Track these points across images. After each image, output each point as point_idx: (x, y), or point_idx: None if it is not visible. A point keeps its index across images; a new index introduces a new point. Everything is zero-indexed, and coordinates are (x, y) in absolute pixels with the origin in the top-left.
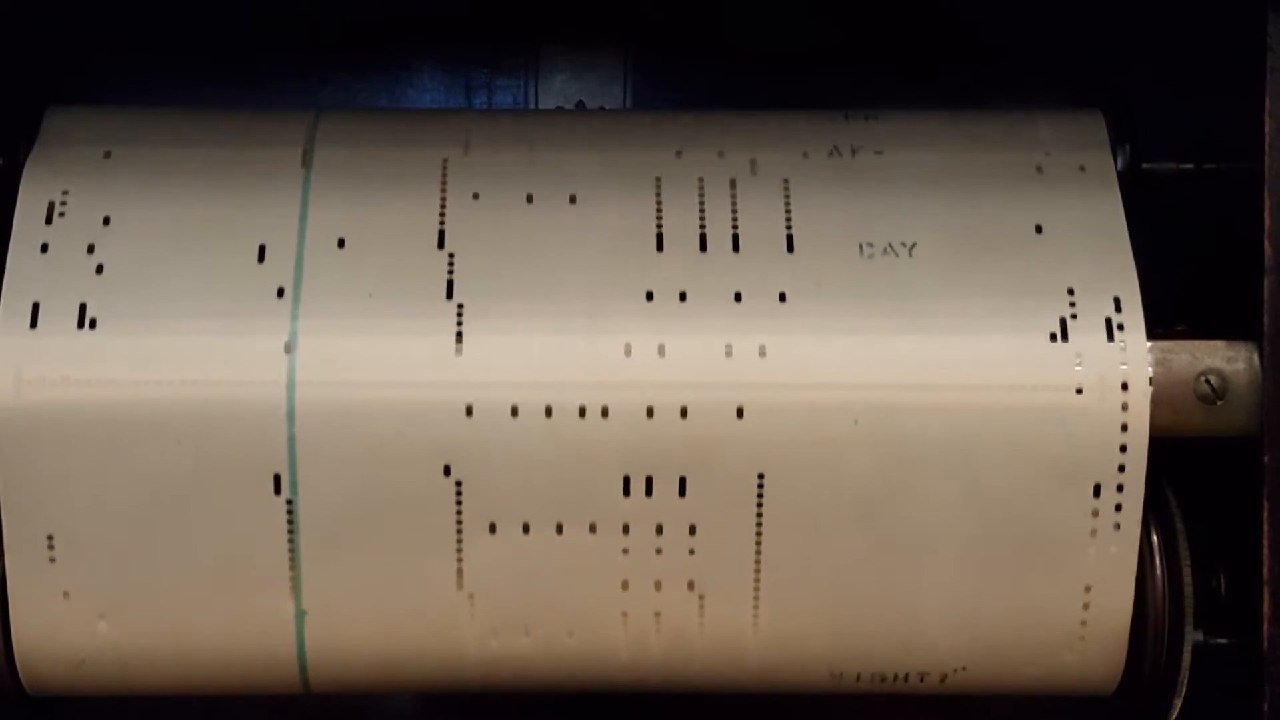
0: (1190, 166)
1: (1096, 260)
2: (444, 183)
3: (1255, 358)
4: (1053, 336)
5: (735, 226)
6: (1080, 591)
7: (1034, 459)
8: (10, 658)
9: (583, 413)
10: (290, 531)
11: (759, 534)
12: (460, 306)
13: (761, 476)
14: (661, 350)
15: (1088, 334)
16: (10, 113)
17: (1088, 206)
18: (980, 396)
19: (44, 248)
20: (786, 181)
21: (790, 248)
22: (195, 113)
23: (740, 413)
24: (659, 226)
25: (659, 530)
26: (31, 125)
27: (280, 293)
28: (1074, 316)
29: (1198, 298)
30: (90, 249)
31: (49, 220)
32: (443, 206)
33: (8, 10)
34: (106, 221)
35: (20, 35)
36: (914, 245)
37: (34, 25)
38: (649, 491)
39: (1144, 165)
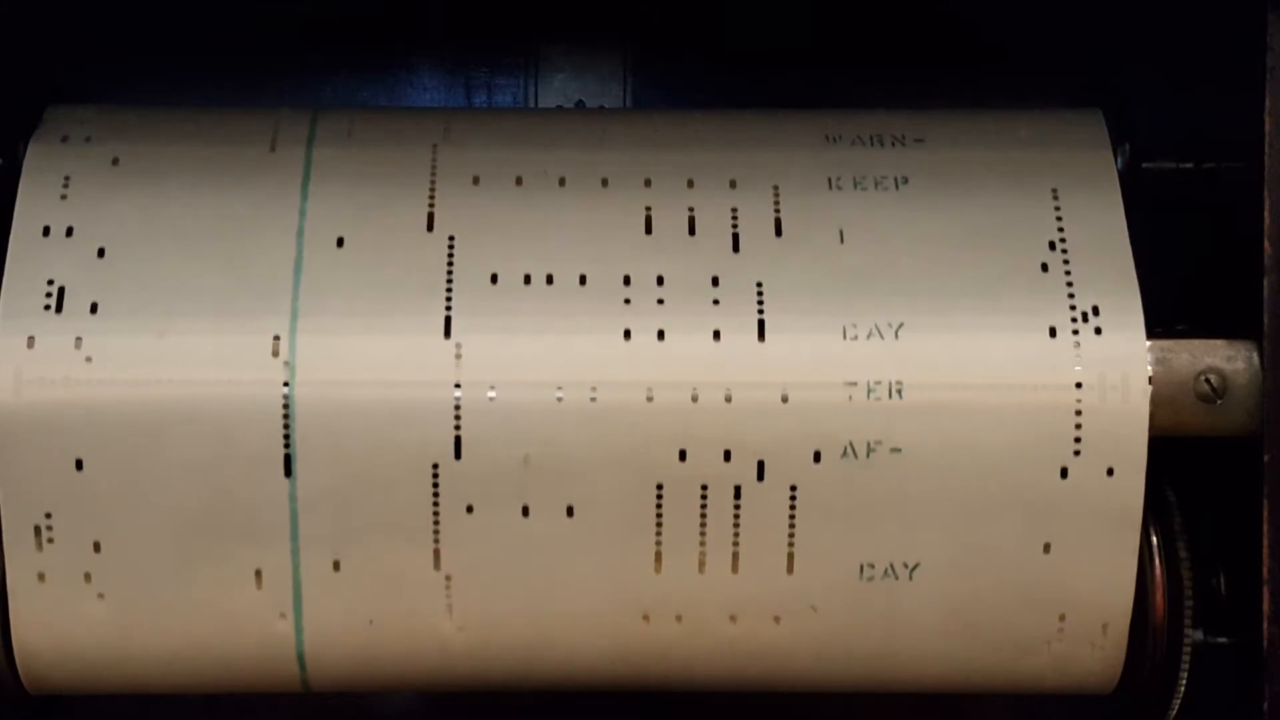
0: (1190, 166)
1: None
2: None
3: (1255, 357)
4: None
5: (736, 543)
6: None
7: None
8: (10, 657)
9: None
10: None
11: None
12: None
13: None
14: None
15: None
16: (10, 112)
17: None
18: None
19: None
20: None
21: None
22: (195, 112)
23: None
24: (659, 533)
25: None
26: (31, 125)
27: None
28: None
29: (1197, 297)
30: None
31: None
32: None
33: (8, 10)
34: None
35: (20, 35)
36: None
37: (34, 25)
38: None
39: (1144, 164)
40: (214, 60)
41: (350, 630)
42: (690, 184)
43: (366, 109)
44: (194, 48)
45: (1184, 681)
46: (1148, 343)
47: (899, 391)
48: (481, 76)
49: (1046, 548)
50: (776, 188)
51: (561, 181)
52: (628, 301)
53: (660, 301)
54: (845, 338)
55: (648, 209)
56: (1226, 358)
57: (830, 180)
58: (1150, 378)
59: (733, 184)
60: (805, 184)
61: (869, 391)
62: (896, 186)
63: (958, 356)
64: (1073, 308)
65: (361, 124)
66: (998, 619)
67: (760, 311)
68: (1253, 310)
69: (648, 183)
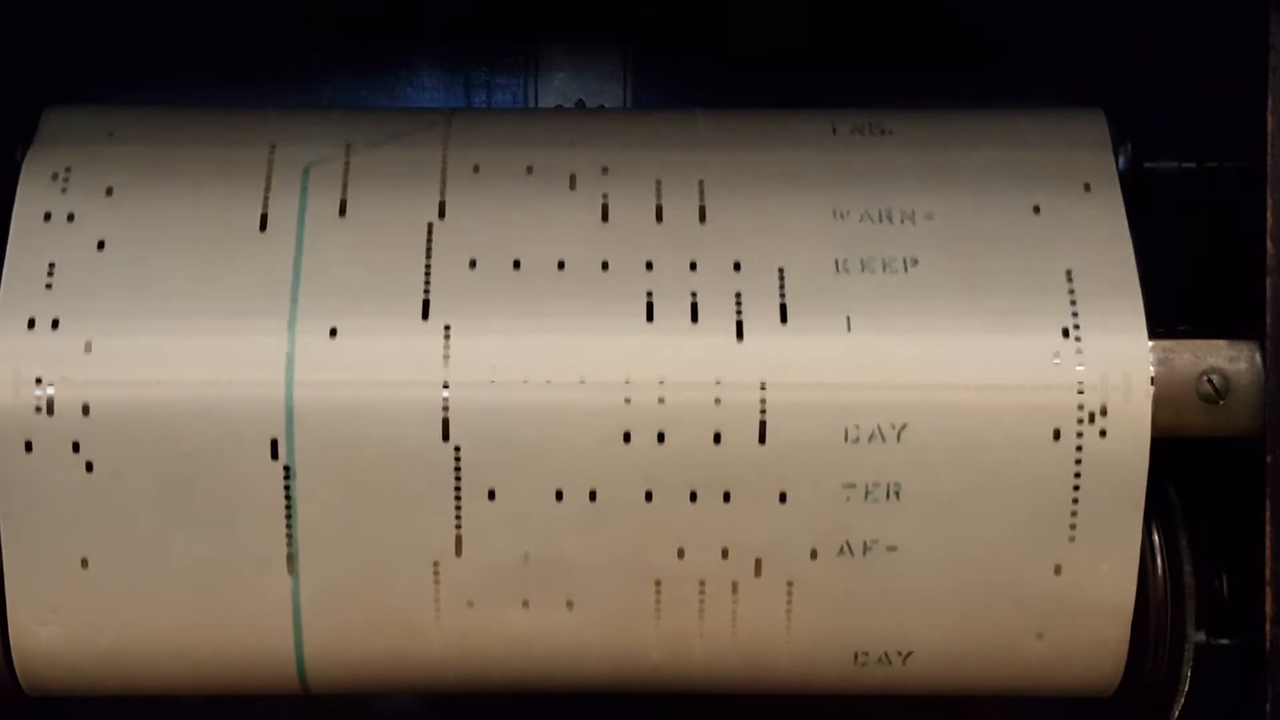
0: (1192, 165)
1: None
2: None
3: (1257, 357)
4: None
5: (734, 633)
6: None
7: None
8: (9, 658)
9: None
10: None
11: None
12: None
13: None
14: None
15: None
16: (9, 113)
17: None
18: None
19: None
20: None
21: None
22: (194, 112)
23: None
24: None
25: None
26: (30, 125)
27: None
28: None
29: (1199, 297)
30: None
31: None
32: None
33: (7, 10)
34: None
35: (20, 35)
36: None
37: (34, 25)
38: None
39: (1145, 164)
40: (214, 60)
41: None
42: (693, 266)
43: (367, 108)
44: (194, 48)
45: (1186, 683)
46: (1150, 343)
47: (897, 493)
48: (481, 76)
49: (1039, 635)
50: (782, 270)
51: (560, 265)
52: (628, 401)
53: (661, 401)
54: (847, 440)
55: (649, 294)
56: (1229, 358)
57: (838, 262)
58: (1153, 378)
59: (737, 266)
60: (812, 266)
61: (867, 493)
62: (905, 269)
63: (960, 459)
64: (1080, 406)
65: (354, 191)
66: (990, 692)
67: (763, 413)
68: (1255, 310)
69: (649, 265)
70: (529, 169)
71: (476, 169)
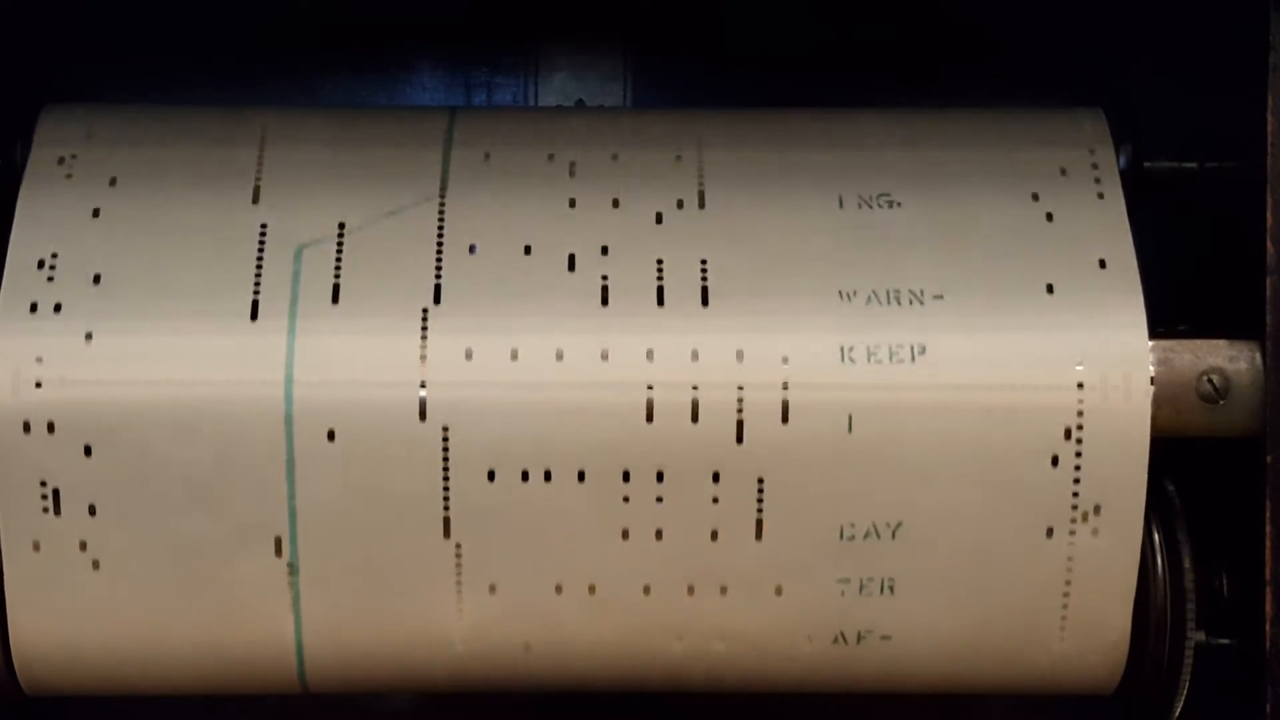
0: (1192, 165)
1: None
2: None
3: (1257, 357)
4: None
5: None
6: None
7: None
8: (8, 659)
9: None
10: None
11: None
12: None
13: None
14: None
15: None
16: (7, 113)
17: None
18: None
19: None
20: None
21: None
22: (194, 111)
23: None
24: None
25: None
26: (28, 125)
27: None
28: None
29: (1200, 297)
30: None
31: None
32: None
33: (7, 10)
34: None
35: (19, 35)
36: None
37: (32, 25)
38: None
39: (1146, 164)
40: (213, 60)
41: None
42: (695, 356)
43: (364, 107)
44: (193, 48)
45: (1186, 683)
46: (1150, 343)
47: (891, 588)
48: (481, 76)
49: (1032, 691)
50: (785, 359)
51: (559, 355)
52: (626, 500)
53: (659, 500)
54: (842, 538)
55: (649, 388)
56: (1229, 358)
57: (843, 351)
58: (1153, 378)
59: (739, 356)
60: (816, 356)
61: (861, 587)
62: (912, 358)
63: (955, 556)
64: (1075, 506)
65: (348, 275)
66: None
67: (760, 511)
68: (1255, 310)
69: (649, 355)
70: (526, 249)
71: (473, 249)
